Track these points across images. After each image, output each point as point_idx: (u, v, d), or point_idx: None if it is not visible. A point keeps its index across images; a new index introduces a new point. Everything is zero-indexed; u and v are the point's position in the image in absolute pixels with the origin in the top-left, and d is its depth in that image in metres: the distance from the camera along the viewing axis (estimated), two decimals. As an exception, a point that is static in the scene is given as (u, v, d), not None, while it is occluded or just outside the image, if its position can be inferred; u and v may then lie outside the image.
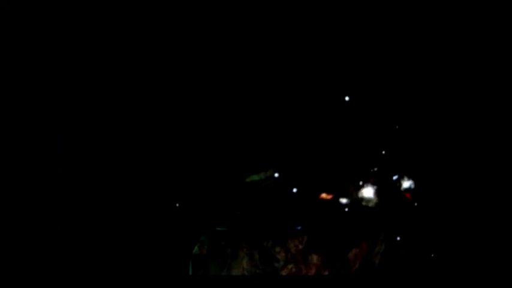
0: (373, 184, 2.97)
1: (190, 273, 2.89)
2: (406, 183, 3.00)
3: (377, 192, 2.98)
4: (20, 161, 2.83)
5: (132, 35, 3.01)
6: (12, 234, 2.79)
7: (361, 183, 2.99)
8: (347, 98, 3.03)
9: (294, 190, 2.97)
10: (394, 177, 3.02)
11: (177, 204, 2.92)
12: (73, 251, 2.83)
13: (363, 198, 2.98)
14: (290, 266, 2.90)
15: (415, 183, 3.00)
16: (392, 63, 3.05)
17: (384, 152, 3.03)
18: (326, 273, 2.90)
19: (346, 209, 2.96)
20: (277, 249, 2.90)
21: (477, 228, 2.93)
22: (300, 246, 2.90)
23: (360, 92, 3.05)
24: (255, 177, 2.97)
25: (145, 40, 3.01)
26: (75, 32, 2.94)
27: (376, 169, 3.01)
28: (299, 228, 2.92)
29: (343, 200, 2.97)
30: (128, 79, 3.00)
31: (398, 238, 2.94)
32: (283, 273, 2.90)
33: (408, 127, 3.05)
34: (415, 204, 2.99)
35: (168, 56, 3.03)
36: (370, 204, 2.97)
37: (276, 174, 2.98)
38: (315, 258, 2.91)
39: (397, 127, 3.05)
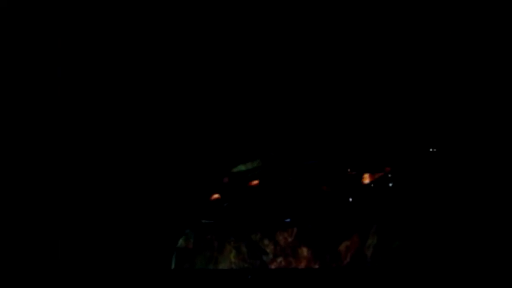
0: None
1: (173, 267, 2.84)
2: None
3: (370, 184, 2.92)
4: (19, 161, 2.86)
5: (132, 35, 3.02)
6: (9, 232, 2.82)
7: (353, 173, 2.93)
8: (335, 88, 2.99)
9: (284, 181, 2.91)
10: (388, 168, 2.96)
11: (161, 196, 2.88)
12: (55, 244, 2.82)
13: (354, 189, 2.92)
14: (279, 260, 2.85)
15: (409, 174, 2.94)
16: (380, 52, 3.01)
17: (376, 143, 2.97)
18: (316, 266, 2.85)
19: (337, 201, 2.90)
20: (266, 242, 2.86)
21: (474, 220, 2.87)
22: (289, 239, 2.86)
23: (349, 81, 3.01)
24: (242, 168, 2.92)
25: (145, 40, 3.02)
26: (75, 32, 2.96)
27: (368, 160, 2.95)
28: (288, 220, 2.87)
29: (334, 191, 2.91)
30: (123, 78, 3.01)
31: (391, 230, 2.87)
32: (272, 266, 2.85)
33: (403, 116, 3.01)
34: (410, 195, 2.93)
35: (162, 53, 3.03)
36: (362, 195, 2.91)
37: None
38: (304, 251, 2.86)
39: (390, 117, 3.00)
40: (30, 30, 2.88)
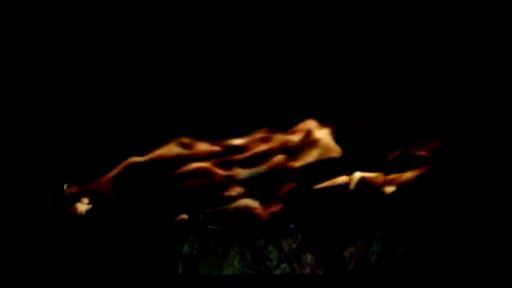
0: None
1: (180, 272, 2.88)
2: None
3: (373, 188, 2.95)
4: (19, 162, 2.86)
5: (133, 35, 3.05)
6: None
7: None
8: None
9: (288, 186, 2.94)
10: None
11: (166, 203, 2.92)
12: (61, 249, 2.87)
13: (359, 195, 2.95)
14: (283, 266, 2.87)
15: (413, 180, 2.97)
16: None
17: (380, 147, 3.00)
18: (321, 272, 2.87)
19: (341, 206, 2.94)
20: (270, 248, 2.88)
21: (478, 225, 2.89)
22: (294, 245, 2.88)
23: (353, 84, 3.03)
24: (247, 174, 2.95)
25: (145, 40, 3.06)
26: (75, 32, 2.97)
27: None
28: (292, 226, 2.89)
29: (338, 197, 2.95)
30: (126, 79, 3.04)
31: (395, 235, 2.90)
32: (277, 272, 2.87)
33: (406, 122, 3.03)
34: (413, 200, 2.96)
35: (166, 53, 3.06)
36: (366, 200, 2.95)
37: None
38: (309, 257, 2.88)
39: (393, 123, 3.03)
40: (30, 30, 2.87)
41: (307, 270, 2.87)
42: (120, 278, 2.88)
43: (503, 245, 2.86)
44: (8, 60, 2.86)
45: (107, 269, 2.88)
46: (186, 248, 2.87)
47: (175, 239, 2.89)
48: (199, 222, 2.89)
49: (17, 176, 2.86)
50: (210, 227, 2.89)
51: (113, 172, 2.90)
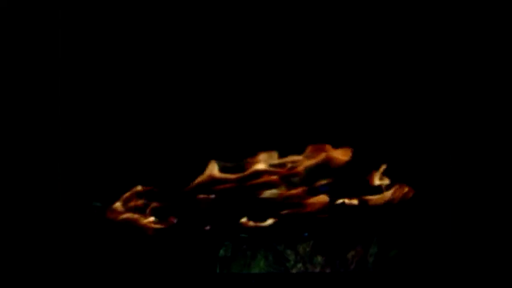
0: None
1: (218, 271, 3.27)
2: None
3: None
4: (19, 162, 2.80)
5: (133, 35, 2.97)
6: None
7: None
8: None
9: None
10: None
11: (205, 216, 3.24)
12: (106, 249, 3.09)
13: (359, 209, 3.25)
14: (299, 266, 3.25)
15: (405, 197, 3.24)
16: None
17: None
18: (328, 271, 3.24)
19: (345, 217, 3.25)
20: (288, 252, 3.26)
21: (468, 230, 3.09)
22: (307, 249, 3.26)
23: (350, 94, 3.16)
24: (271, 192, 3.27)
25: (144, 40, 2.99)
26: (75, 32, 2.86)
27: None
28: (306, 234, 3.27)
29: (342, 209, 3.26)
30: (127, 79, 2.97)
31: (389, 241, 3.23)
32: (293, 271, 3.26)
33: (401, 136, 3.17)
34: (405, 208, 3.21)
35: (167, 56, 3.00)
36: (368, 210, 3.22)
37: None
38: (319, 258, 3.25)
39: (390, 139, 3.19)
40: (30, 30, 2.74)
41: (317, 269, 3.24)
42: (169, 277, 3.19)
43: (491, 250, 3.07)
44: (8, 60, 2.71)
45: (159, 268, 3.22)
46: (222, 251, 3.26)
47: (213, 244, 3.26)
48: (233, 232, 3.25)
49: (17, 177, 2.75)
50: (241, 235, 3.28)
51: (197, 181, 2.95)
